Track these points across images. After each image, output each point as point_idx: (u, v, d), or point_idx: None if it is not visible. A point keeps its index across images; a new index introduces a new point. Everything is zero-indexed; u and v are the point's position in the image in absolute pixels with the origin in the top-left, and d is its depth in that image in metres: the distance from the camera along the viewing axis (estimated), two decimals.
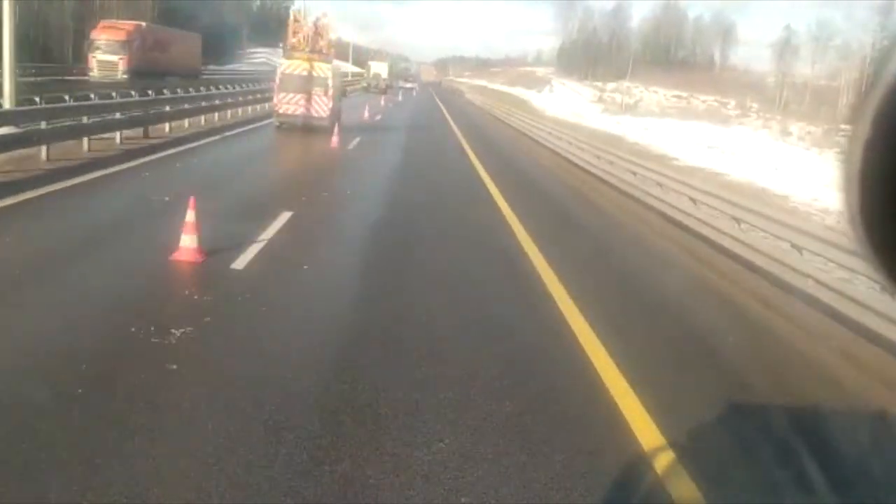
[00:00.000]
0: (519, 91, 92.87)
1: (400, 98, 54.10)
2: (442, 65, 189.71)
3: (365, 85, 61.01)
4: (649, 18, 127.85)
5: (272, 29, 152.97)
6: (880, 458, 4.04)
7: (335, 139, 17.56)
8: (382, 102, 40.82)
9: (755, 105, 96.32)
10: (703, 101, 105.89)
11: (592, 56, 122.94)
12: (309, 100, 18.97)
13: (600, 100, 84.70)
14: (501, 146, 26.56)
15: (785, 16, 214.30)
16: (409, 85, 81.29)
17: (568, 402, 4.57)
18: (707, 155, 33.51)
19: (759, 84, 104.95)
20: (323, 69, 19.20)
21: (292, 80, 18.93)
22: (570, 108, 72.94)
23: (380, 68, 64.29)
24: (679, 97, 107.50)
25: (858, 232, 0.64)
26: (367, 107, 31.72)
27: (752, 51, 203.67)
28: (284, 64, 19.46)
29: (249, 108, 24.34)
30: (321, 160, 16.34)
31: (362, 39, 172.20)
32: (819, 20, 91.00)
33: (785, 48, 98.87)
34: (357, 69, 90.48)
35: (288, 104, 19.01)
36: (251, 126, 21.02)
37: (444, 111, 45.86)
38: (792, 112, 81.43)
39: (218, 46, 70.86)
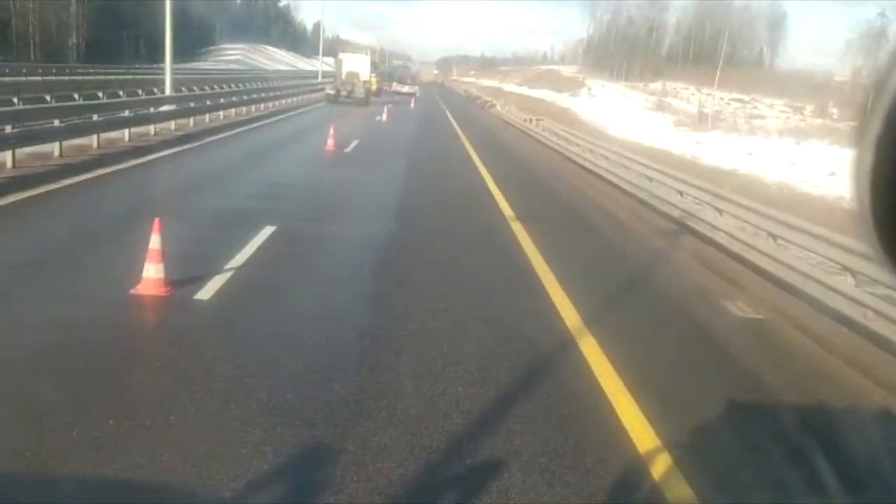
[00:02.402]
0: (547, 95, 71.72)
1: (384, 117, 29.46)
2: (445, 64, 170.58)
3: (331, 92, 38.43)
4: (690, 8, 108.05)
5: (258, 25, 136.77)
6: (878, 462, 3.71)
7: None
8: (331, 141, 17.55)
9: (835, 111, 76.48)
10: (770, 106, 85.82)
11: (627, 51, 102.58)
12: None
13: (659, 107, 63.44)
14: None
15: (826, 13, 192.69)
16: (405, 89, 57.05)
17: None
18: None
19: (827, 86, 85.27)
20: None
21: None
22: (629, 121, 51.24)
23: (357, 64, 39.50)
24: (741, 101, 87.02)
25: (868, 229, 0.63)
26: (237, 188, 10.97)
27: (807, 49, 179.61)
28: None
29: None
30: None
31: (364, 39, 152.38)
32: None
33: (880, 39, 78.09)
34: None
35: None
36: None
37: (473, 155, 24.68)
38: None
39: (181, 43, 52.42)
